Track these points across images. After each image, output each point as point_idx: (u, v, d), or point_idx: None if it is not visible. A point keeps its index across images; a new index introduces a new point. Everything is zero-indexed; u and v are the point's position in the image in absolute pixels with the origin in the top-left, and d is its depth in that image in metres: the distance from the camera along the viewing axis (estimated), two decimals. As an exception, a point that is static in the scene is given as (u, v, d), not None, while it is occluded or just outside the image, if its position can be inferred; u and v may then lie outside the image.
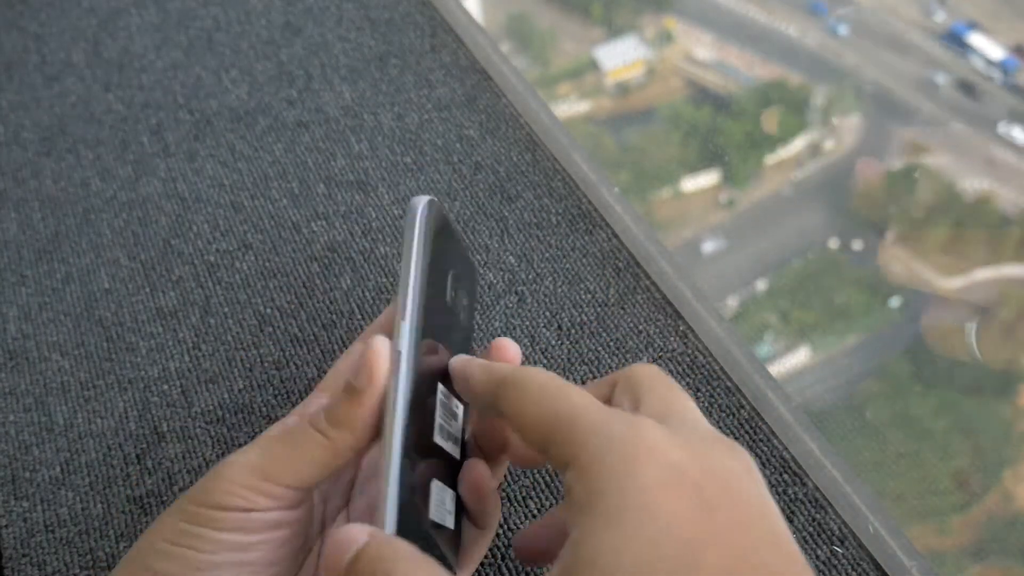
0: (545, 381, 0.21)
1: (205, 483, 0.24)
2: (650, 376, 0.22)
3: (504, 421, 0.22)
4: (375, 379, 0.23)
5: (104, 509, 0.34)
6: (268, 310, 0.40)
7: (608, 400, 0.22)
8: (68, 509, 0.34)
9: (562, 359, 0.36)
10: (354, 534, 0.20)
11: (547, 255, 0.40)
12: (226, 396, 0.37)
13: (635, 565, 0.16)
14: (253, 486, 0.23)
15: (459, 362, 0.25)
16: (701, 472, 0.18)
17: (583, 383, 0.35)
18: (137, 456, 0.36)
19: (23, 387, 0.38)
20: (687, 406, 0.21)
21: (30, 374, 0.39)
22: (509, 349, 0.27)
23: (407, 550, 0.20)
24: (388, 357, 0.24)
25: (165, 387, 0.38)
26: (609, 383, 0.23)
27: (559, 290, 0.38)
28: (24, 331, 0.40)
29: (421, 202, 0.26)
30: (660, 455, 0.18)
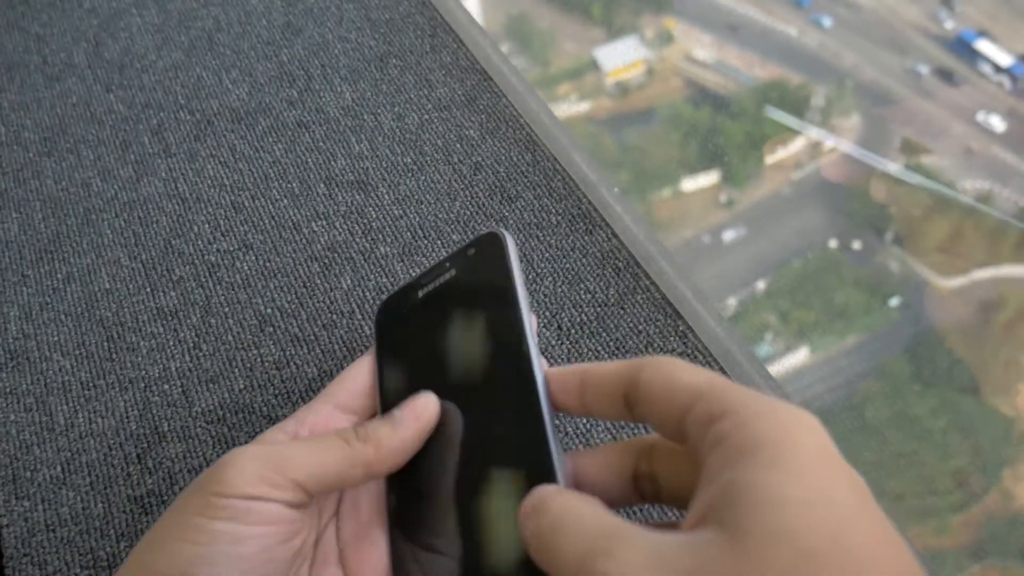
0: (686, 365, 0.21)
1: (210, 472, 0.24)
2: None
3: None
4: (422, 418, 0.27)
5: (105, 509, 0.34)
6: (268, 310, 0.40)
7: (623, 394, 0.23)
8: (69, 509, 0.35)
9: (562, 359, 0.36)
10: (546, 488, 0.22)
11: (547, 255, 0.40)
12: (226, 396, 0.37)
13: (804, 503, 0.16)
14: (261, 474, 0.24)
15: (572, 370, 0.24)
16: (846, 465, 0.19)
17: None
18: (138, 456, 0.36)
19: (24, 387, 0.38)
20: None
21: (31, 374, 0.39)
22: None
23: (591, 499, 0.21)
24: (436, 404, 0.27)
25: (166, 387, 0.38)
26: (626, 374, 0.23)
27: (559, 290, 0.38)
28: (25, 331, 0.40)
29: (507, 236, 0.30)
30: (818, 430, 0.19)
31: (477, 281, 0.30)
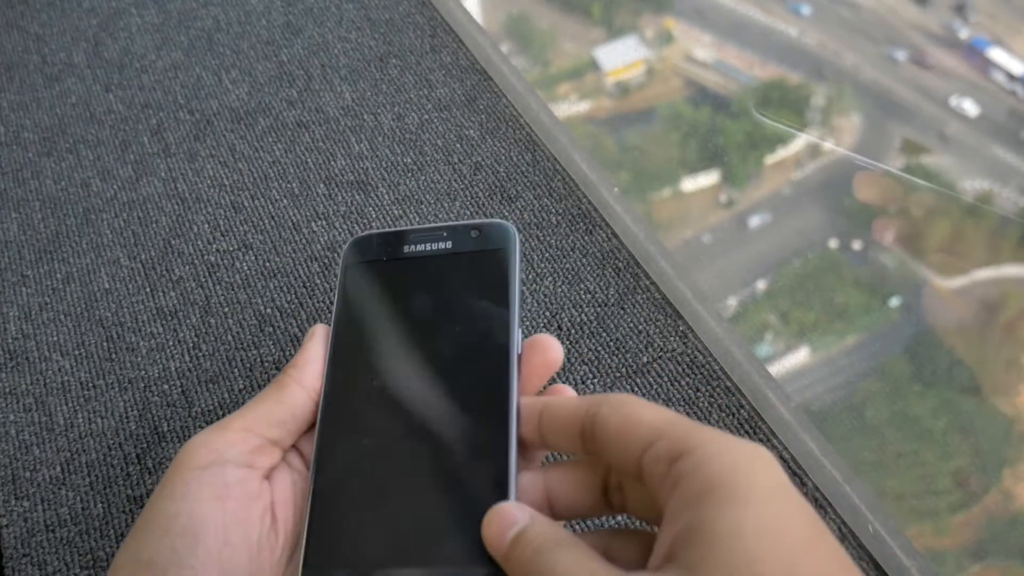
0: (641, 403, 0.22)
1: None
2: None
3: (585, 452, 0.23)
4: (316, 335, 0.29)
5: (104, 509, 0.34)
6: (268, 310, 0.40)
7: (580, 437, 0.23)
8: (68, 509, 0.34)
9: (562, 359, 0.36)
10: (516, 514, 0.22)
11: (547, 255, 0.40)
12: (226, 396, 0.37)
13: (757, 534, 0.17)
14: (211, 436, 0.25)
15: (533, 402, 0.25)
16: (802, 500, 0.19)
17: (583, 383, 0.35)
18: (137, 456, 0.36)
19: (23, 387, 0.38)
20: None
21: (30, 374, 0.39)
22: (551, 348, 0.27)
23: (568, 536, 0.21)
24: (323, 329, 0.29)
25: (165, 387, 0.38)
26: (582, 414, 0.23)
27: (559, 290, 0.38)
28: (24, 331, 0.40)
29: (512, 229, 0.29)
30: (774, 467, 0.19)
31: (474, 268, 0.28)
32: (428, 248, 0.30)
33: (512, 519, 0.22)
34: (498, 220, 0.29)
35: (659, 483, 0.20)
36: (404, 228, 0.31)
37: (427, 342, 0.27)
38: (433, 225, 0.30)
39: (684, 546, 0.18)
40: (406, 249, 0.30)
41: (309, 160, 0.45)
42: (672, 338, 0.37)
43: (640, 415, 0.21)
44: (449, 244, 0.29)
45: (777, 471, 0.19)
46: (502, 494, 0.23)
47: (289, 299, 0.40)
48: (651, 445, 0.20)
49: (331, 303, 0.39)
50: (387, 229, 0.31)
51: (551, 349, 0.27)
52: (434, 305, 0.28)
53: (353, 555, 0.24)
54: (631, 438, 0.21)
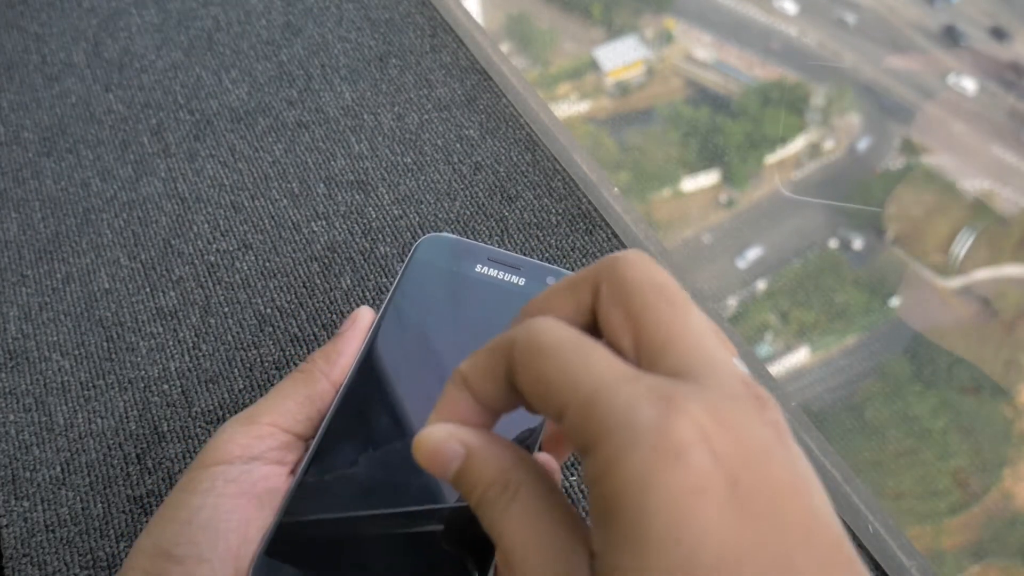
0: (560, 340, 0.17)
1: (202, 449, 0.25)
2: (643, 282, 0.18)
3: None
4: (358, 323, 0.28)
5: (104, 509, 0.34)
6: (268, 310, 0.40)
7: (591, 311, 0.19)
8: (68, 509, 0.34)
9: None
10: (449, 448, 0.18)
11: (547, 255, 0.40)
12: (226, 396, 0.37)
13: None
14: (239, 430, 0.25)
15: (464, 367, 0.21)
16: (734, 461, 0.15)
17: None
18: (137, 456, 0.36)
19: (23, 387, 0.38)
20: (699, 332, 0.17)
21: (30, 374, 0.39)
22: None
23: (518, 476, 0.18)
24: (370, 313, 0.28)
25: (165, 387, 0.38)
26: (590, 284, 0.19)
27: (559, 290, 0.38)
28: (24, 331, 0.40)
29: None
30: (692, 456, 0.15)
31: None
32: (499, 276, 0.29)
33: (445, 456, 0.18)
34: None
35: (582, 466, 0.17)
36: (484, 245, 0.30)
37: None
38: (512, 255, 0.30)
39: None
40: (478, 268, 0.29)
41: (309, 160, 0.45)
42: (672, 338, 0.36)
43: (546, 376, 0.17)
44: (522, 281, 0.29)
45: (694, 452, 0.15)
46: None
47: (289, 299, 0.40)
48: (562, 417, 0.17)
49: (330, 302, 0.39)
50: (466, 239, 0.31)
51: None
52: (487, 337, 0.28)
53: (315, 560, 0.24)
54: (544, 407, 0.17)
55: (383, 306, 0.29)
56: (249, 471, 0.25)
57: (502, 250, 0.30)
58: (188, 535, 0.23)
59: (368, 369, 0.27)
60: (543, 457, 0.25)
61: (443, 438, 0.19)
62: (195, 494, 0.24)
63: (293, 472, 0.26)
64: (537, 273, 0.29)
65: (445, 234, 0.31)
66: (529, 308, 0.20)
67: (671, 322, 0.17)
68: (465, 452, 0.18)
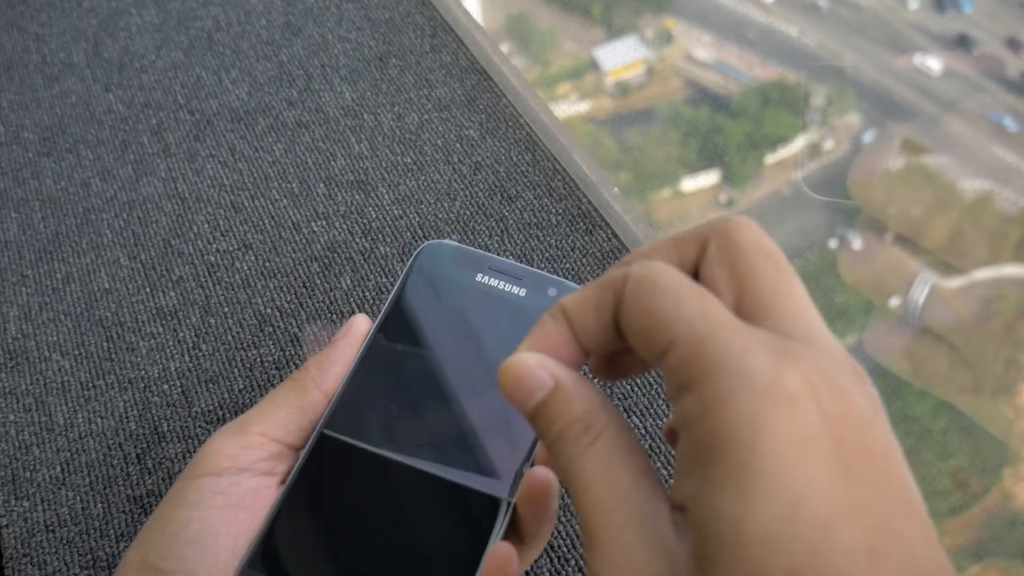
0: (678, 281, 0.17)
1: (193, 459, 0.25)
2: (753, 245, 0.18)
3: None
4: (352, 331, 0.28)
5: (104, 509, 0.34)
6: (268, 310, 0.40)
7: (695, 265, 0.18)
8: (68, 509, 0.34)
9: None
10: (537, 376, 0.18)
11: (547, 255, 0.40)
12: (226, 396, 0.37)
13: (762, 541, 0.14)
14: (230, 440, 0.25)
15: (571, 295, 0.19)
16: (840, 422, 0.15)
17: (587, 375, 0.36)
18: (137, 456, 0.36)
19: (23, 387, 0.38)
20: (803, 301, 0.17)
21: (30, 374, 0.39)
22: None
23: (601, 422, 0.17)
24: (366, 321, 0.28)
25: (165, 387, 0.38)
26: (698, 241, 0.18)
27: (559, 290, 0.38)
28: (24, 331, 0.40)
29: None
30: (802, 406, 0.15)
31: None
32: (500, 286, 0.29)
33: (531, 384, 0.18)
34: (577, 285, 0.29)
35: (674, 408, 0.16)
36: (485, 254, 0.30)
37: (459, 383, 0.27)
38: (514, 264, 0.29)
39: (691, 527, 0.15)
40: (478, 277, 0.29)
41: (309, 160, 0.45)
42: (672, 338, 0.36)
43: (659, 311, 0.16)
44: (523, 292, 0.29)
45: (804, 405, 0.15)
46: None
47: (289, 299, 0.40)
48: (665, 355, 0.16)
49: (330, 302, 0.39)
50: (467, 247, 0.30)
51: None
52: (485, 347, 0.28)
53: (298, 572, 0.24)
54: (648, 342, 0.17)
55: (381, 314, 0.28)
56: (238, 483, 0.25)
57: (504, 259, 0.29)
58: (176, 549, 0.23)
59: (362, 379, 0.27)
60: (540, 470, 0.24)
61: (533, 366, 0.18)
62: (183, 507, 0.24)
63: (283, 483, 0.26)
64: (539, 283, 0.29)
65: (447, 241, 0.30)
66: (633, 255, 0.19)
67: (777, 286, 0.17)
68: (553, 385, 0.18)
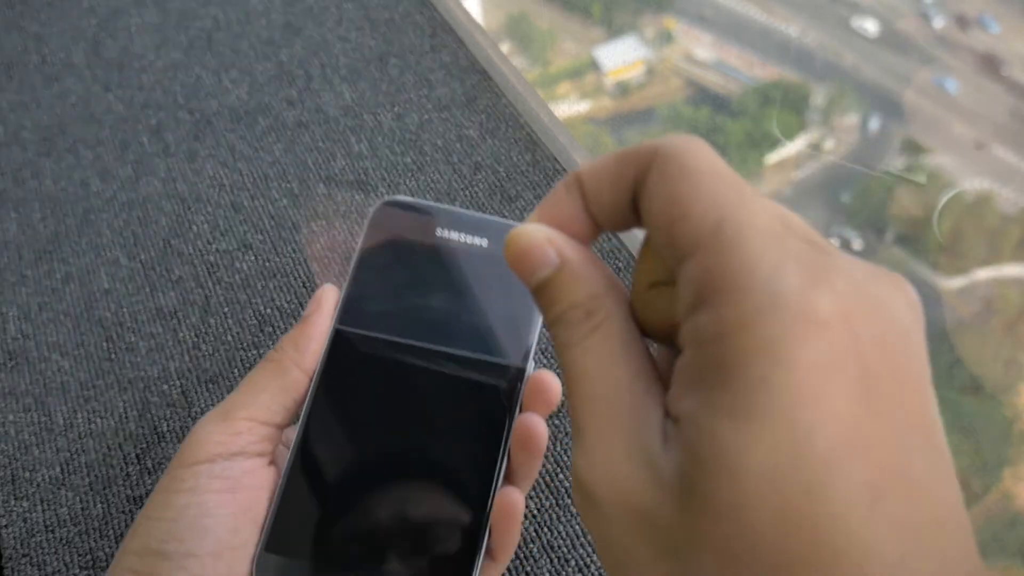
0: (715, 164, 0.15)
1: (180, 449, 0.25)
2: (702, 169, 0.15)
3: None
4: (322, 303, 0.27)
5: (104, 509, 0.34)
6: (268, 310, 0.40)
7: (633, 183, 0.16)
8: (68, 509, 0.34)
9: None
10: (544, 253, 0.17)
11: (547, 255, 0.40)
12: (226, 396, 0.37)
13: (756, 476, 0.13)
14: (217, 428, 0.25)
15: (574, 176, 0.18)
16: (870, 345, 0.13)
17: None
18: (137, 456, 0.36)
19: (23, 387, 0.38)
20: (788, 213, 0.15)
21: (30, 374, 0.39)
22: (549, 387, 0.26)
23: (605, 309, 0.16)
24: (333, 291, 0.28)
25: (165, 387, 0.38)
26: (634, 160, 0.16)
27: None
28: (24, 331, 0.40)
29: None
30: (831, 332, 0.13)
31: (508, 279, 0.27)
32: (462, 239, 0.28)
33: (536, 259, 0.17)
34: None
35: (686, 317, 0.14)
36: (443, 206, 0.29)
37: (437, 344, 0.27)
38: (473, 215, 0.29)
39: (684, 455, 0.14)
40: (439, 232, 0.28)
41: (309, 160, 0.45)
42: (672, 338, 0.36)
43: (688, 201, 0.14)
44: (485, 242, 0.28)
45: (835, 328, 0.13)
46: (481, 518, 0.24)
47: (289, 299, 0.40)
48: (687, 258, 0.14)
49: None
50: (423, 201, 0.30)
51: (549, 387, 0.26)
52: (456, 301, 0.28)
53: (315, 549, 0.24)
54: (669, 236, 0.15)
55: (346, 282, 0.28)
56: (231, 467, 0.25)
57: (463, 210, 0.29)
58: (176, 532, 0.23)
59: (339, 349, 0.27)
60: (512, 494, 0.25)
61: (540, 241, 0.17)
62: (179, 493, 0.24)
63: (274, 463, 0.26)
64: (500, 230, 0.28)
65: (400, 197, 0.30)
66: (579, 172, 0.17)
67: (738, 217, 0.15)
68: (559, 263, 0.17)
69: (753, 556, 0.13)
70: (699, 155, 0.15)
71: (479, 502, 0.25)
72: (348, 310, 0.28)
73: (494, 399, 0.26)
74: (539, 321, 0.27)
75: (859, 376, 0.13)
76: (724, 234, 0.14)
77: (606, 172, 0.16)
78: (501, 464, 0.25)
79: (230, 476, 0.25)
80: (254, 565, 0.24)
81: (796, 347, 0.13)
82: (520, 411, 0.26)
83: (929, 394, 0.14)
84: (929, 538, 0.13)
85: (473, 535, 0.24)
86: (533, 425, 0.25)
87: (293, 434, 0.26)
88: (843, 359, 0.13)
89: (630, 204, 0.16)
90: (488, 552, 0.25)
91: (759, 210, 0.14)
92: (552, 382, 0.26)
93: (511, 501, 0.25)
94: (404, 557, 0.24)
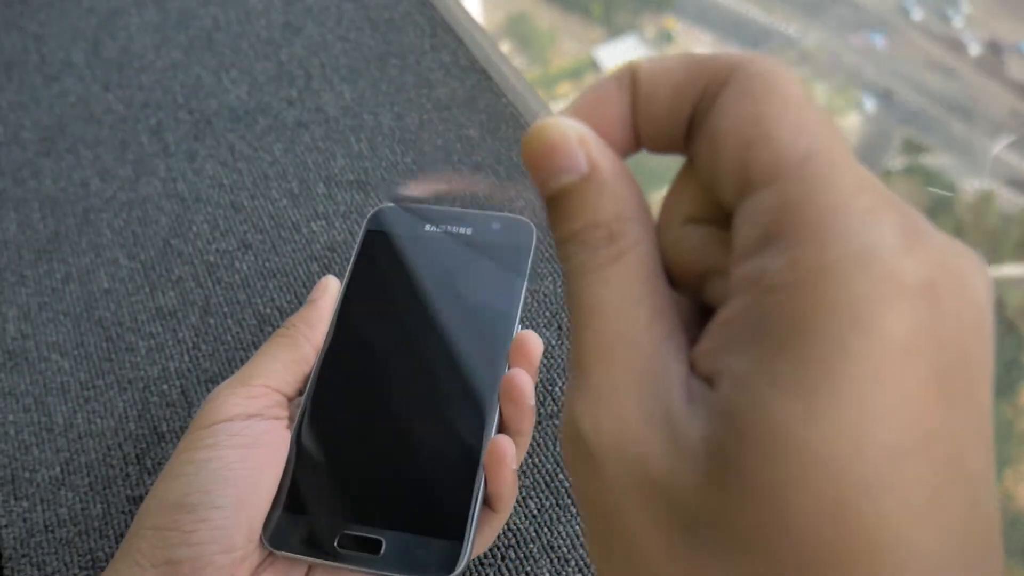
0: (803, 92, 0.13)
1: (198, 413, 0.27)
2: (795, 97, 0.13)
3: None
4: (327, 289, 0.30)
5: (104, 509, 0.34)
6: (268, 310, 0.40)
7: (699, 94, 0.13)
8: (68, 509, 0.34)
9: (562, 359, 0.36)
10: (572, 156, 0.14)
11: (547, 255, 0.40)
12: (226, 396, 0.37)
13: (816, 463, 0.11)
14: (234, 392, 0.27)
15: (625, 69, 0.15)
16: (953, 326, 0.12)
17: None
18: (137, 456, 0.36)
19: (23, 387, 0.38)
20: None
21: (30, 374, 0.39)
22: (530, 344, 0.28)
23: (631, 235, 0.14)
24: (335, 281, 0.31)
25: (165, 387, 0.38)
26: (708, 69, 0.13)
27: (559, 290, 0.38)
28: (24, 331, 0.40)
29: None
30: (919, 303, 0.11)
31: (492, 257, 0.31)
32: (448, 230, 0.32)
33: (561, 160, 0.14)
34: (521, 217, 0.32)
35: (737, 259, 0.12)
36: (429, 207, 0.33)
37: (430, 318, 0.30)
38: (457, 210, 0.33)
39: (715, 406, 0.12)
40: (426, 228, 0.32)
41: (309, 160, 0.45)
42: (672, 338, 0.36)
43: (773, 126, 0.12)
44: (469, 231, 0.32)
45: (917, 301, 0.11)
46: (475, 465, 0.26)
47: (289, 299, 0.40)
48: (752, 194, 0.12)
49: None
50: (412, 205, 0.34)
51: (529, 344, 0.28)
52: (443, 285, 0.31)
53: (328, 509, 0.26)
54: (740, 162, 0.13)
55: (347, 273, 0.32)
56: (251, 426, 0.26)
57: (446, 208, 0.33)
58: (198, 485, 0.24)
59: (343, 330, 0.30)
60: (501, 439, 0.26)
61: (570, 139, 0.14)
62: (200, 450, 0.25)
63: (290, 427, 0.28)
64: (482, 221, 0.32)
65: (391, 205, 0.34)
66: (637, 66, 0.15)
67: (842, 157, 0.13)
68: (587, 171, 0.14)
69: (790, 549, 0.11)
70: (789, 79, 0.13)
71: (473, 451, 0.27)
72: (349, 295, 0.31)
73: (484, 360, 0.29)
74: (523, 289, 0.30)
75: (935, 358, 0.11)
76: (814, 166, 0.12)
77: (670, 76, 0.14)
78: (492, 417, 0.27)
79: (250, 433, 0.26)
80: (270, 525, 0.25)
81: (882, 313, 0.11)
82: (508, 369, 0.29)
83: (990, 383, 0.13)
84: (973, 547, 0.12)
85: (468, 480, 0.26)
86: (516, 376, 0.27)
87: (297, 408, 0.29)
88: (924, 336, 0.11)
89: (686, 122, 0.14)
90: (487, 503, 0.27)
91: (850, 153, 0.12)
92: (533, 340, 0.28)
93: (501, 445, 0.26)
94: (405, 505, 0.26)
